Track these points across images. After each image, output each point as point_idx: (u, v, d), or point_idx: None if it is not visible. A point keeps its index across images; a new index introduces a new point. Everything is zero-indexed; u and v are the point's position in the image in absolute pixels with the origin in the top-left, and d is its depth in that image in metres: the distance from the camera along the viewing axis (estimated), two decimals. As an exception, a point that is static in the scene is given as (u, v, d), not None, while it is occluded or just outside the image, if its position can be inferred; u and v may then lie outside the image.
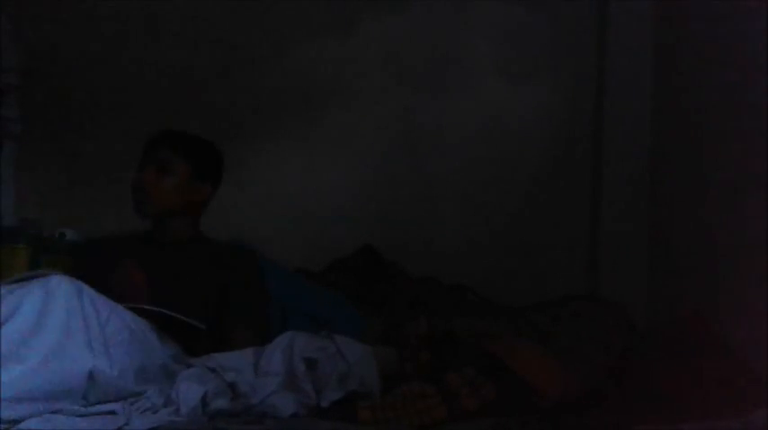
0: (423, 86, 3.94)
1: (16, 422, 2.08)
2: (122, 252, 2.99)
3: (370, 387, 2.53)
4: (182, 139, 3.07)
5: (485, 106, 3.94)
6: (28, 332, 2.20)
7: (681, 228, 3.55)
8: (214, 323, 2.83)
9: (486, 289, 3.66)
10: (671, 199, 3.67)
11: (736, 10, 3.10)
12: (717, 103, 3.26)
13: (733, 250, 3.07)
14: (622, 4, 3.84)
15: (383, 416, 2.43)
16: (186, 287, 2.89)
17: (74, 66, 3.83)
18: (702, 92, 3.39)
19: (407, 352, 2.77)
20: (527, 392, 2.55)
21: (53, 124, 3.82)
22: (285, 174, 3.91)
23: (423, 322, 2.92)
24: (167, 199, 2.98)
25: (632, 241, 3.80)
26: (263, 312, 2.96)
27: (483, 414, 2.48)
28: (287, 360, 2.48)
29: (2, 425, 2.06)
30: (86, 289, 2.35)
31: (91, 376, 2.21)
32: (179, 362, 2.49)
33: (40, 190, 3.77)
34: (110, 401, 2.24)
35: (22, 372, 2.15)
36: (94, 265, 2.91)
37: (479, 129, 3.94)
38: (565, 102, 3.94)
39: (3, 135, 3.49)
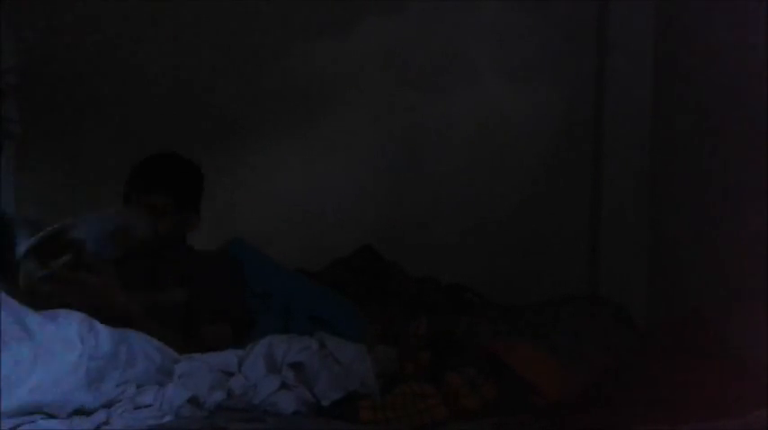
0: (423, 86, 3.94)
1: None
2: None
3: (370, 386, 2.53)
4: (174, 178, 2.93)
5: (485, 106, 3.94)
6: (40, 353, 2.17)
7: (681, 227, 3.55)
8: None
9: (486, 289, 3.66)
10: (671, 198, 3.67)
11: (736, 10, 3.10)
12: (717, 102, 3.26)
13: (733, 250, 3.07)
14: (622, 4, 3.85)
15: (384, 416, 2.43)
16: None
17: (74, 66, 3.83)
18: (702, 92, 3.39)
19: (407, 352, 2.77)
20: (527, 392, 2.56)
21: (53, 124, 3.82)
22: (285, 174, 3.92)
23: (423, 322, 2.92)
24: (160, 241, 2.90)
25: (632, 241, 3.81)
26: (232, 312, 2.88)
27: (483, 414, 2.48)
28: (270, 367, 2.48)
29: None
30: (96, 324, 2.29)
31: (76, 410, 2.19)
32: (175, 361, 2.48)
33: (40, 190, 3.77)
34: None
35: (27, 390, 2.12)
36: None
37: (479, 129, 3.94)
38: (565, 101, 3.94)
39: (3, 135, 3.49)
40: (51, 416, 2.13)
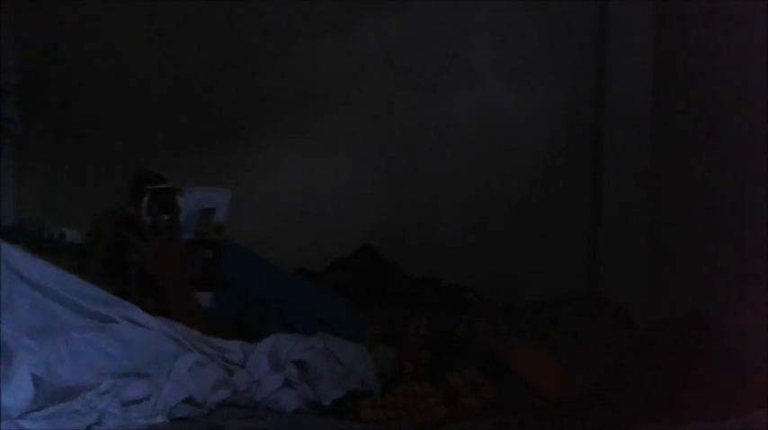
0: (423, 86, 3.94)
1: None
2: None
3: (371, 386, 2.54)
4: None
5: (485, 106, 3.94)
6: None
7: (681, 227, 3.55)
8: None
9: (486, 289, 3.66)
10: (671, 198, 3.67)
11: (736, 10, 3.10)
12: (717, 102, 3.26)
13: (733, 250, 3.07)
14: (622, 3, 3.85)
15: (384, 415, 2.43)
16: None
17: (74, 66, 3.83)
18: (702, 92, 3.38)
19: (407, 352, 2.77)
20: (527, 392, 2.56)
21: (53, 124, 3.82)
22: (285, 174, 3.91)
23: (423, 322, 2.92)
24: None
25: (632, 240, 3.80)
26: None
27: (483, 414, 2.48)
28: (274, 365, 2.48)
29: None
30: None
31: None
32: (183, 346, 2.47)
33: (40, 190, 3.77)
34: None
35: None
36: None
37: (479, 129, 3.94)
38: (565, 101, 3.94)
39: (3, 135, 3.49)
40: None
